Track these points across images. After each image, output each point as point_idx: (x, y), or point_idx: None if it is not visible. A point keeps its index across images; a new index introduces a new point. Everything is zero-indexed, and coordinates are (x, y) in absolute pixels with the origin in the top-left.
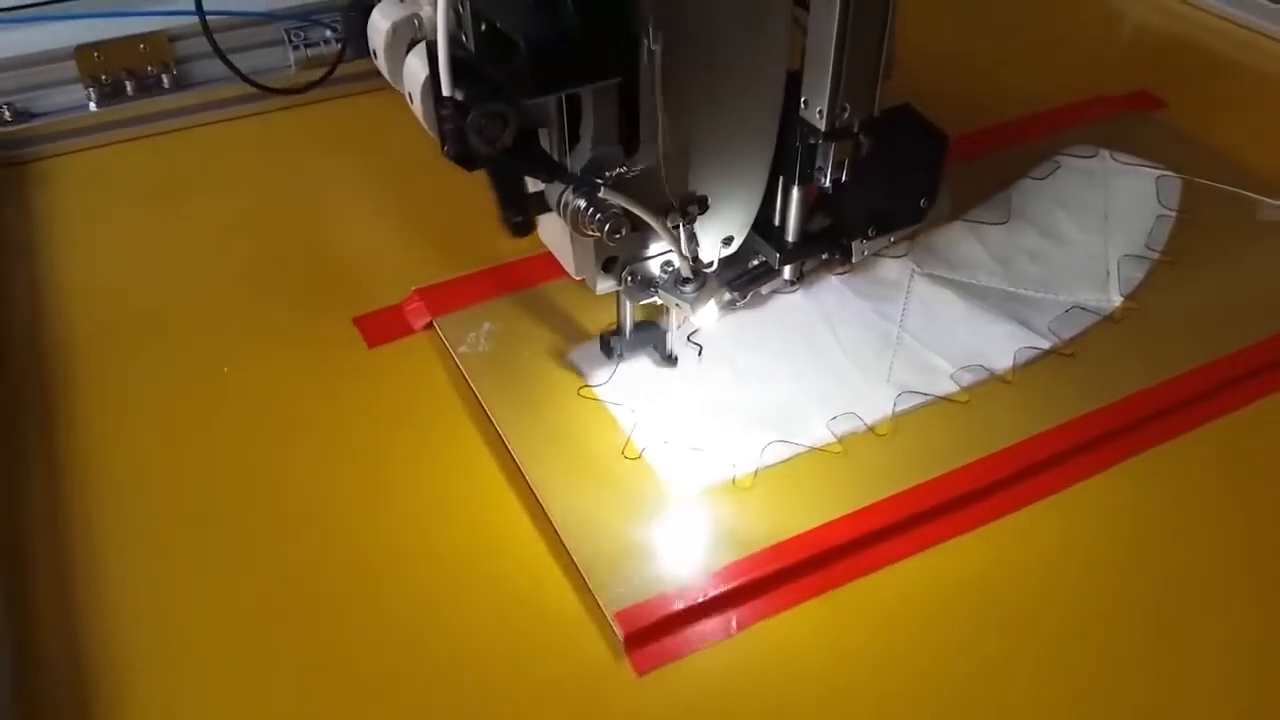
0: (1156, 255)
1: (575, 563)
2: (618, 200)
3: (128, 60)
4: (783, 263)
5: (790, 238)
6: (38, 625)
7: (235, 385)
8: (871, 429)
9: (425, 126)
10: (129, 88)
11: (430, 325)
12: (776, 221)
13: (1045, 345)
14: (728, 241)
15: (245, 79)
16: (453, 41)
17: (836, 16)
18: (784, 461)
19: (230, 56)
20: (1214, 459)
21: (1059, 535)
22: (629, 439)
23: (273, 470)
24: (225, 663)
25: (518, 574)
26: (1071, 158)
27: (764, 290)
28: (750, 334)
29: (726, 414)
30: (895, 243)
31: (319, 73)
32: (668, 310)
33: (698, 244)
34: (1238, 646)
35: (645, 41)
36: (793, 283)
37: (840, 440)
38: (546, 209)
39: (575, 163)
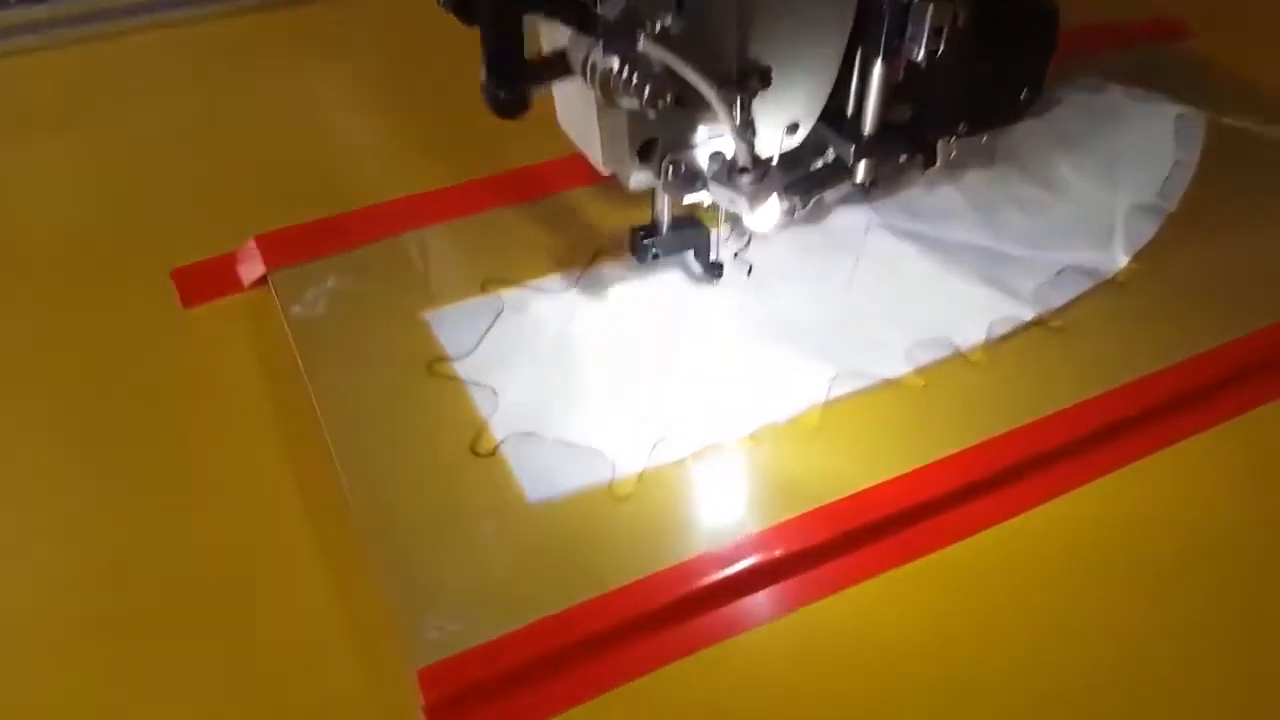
0: (1171, 209)
1: (383, 595)
2: (660, 57)
3: None
4: (857, 158)
5: (867, 129)
6: None
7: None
8: (793, 421)
9: None
10: None
11: (264, 280)
12: (851, 109)
13: (1028, 315)
14: (793, 129)
15: None
16: None
17: None
18: (674, 463)
19: None
20: (1239, 461)
21: (1024, 558)
22: (484, 428)
23: (60, 445)
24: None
25: (314, 598)
26: (1074, 91)
27: (828, 199)
28: (662, 312)
29: (613, 404)
30: (985, 143)
31: None
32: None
33: (754, 132)
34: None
35: None
36: (864, 189)
37: (752, 436)
38: (567, 73)
39: (609, 10)
